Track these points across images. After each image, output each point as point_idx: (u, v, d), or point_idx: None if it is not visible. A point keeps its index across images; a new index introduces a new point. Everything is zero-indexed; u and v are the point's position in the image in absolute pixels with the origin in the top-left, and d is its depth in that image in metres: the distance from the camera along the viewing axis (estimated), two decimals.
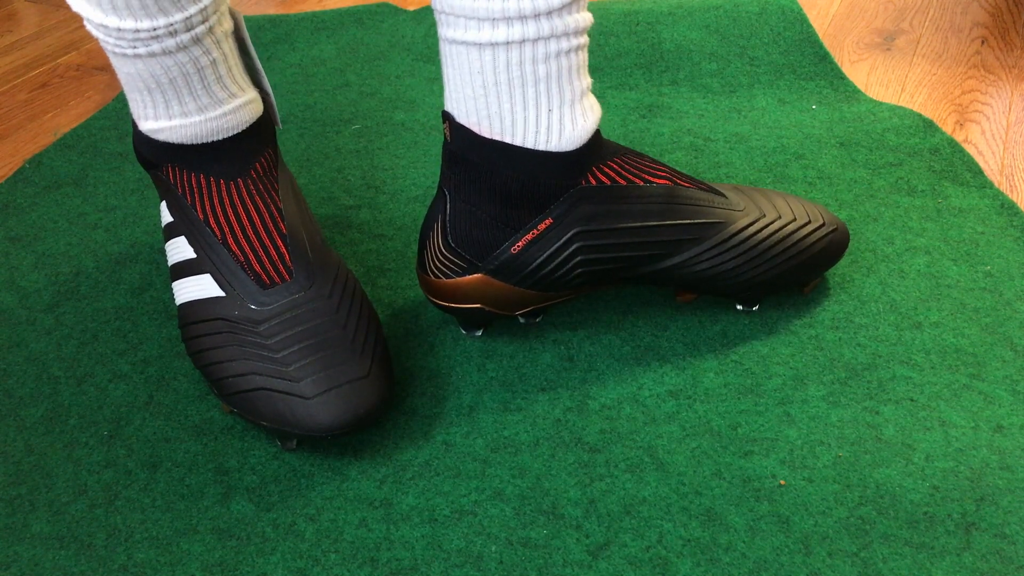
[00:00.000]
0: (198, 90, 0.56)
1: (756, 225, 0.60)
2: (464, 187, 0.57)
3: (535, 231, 0.57)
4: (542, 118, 0.54)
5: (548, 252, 0.57)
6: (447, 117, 0.56)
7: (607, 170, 0.57)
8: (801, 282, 0.63)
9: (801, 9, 1.05)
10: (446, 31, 0.52)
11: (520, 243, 0.57)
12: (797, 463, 0.53)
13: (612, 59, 0.98)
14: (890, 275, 0.67)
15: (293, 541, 0.50)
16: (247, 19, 1.11)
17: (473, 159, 0.55)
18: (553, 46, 0.52)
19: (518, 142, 0.54)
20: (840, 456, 0.54)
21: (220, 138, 0.58)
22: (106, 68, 1.05)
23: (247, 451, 0.56)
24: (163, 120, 0.57)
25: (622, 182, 0.58)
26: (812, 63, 0.95)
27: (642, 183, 0.58)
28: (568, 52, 0.52)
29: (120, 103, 0.95)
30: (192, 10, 0.53)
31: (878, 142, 0.82)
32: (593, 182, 0.57)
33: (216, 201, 0.58)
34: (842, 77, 0.93)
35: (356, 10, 1.13)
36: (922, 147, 0.81)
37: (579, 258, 0.57)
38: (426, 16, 1.11)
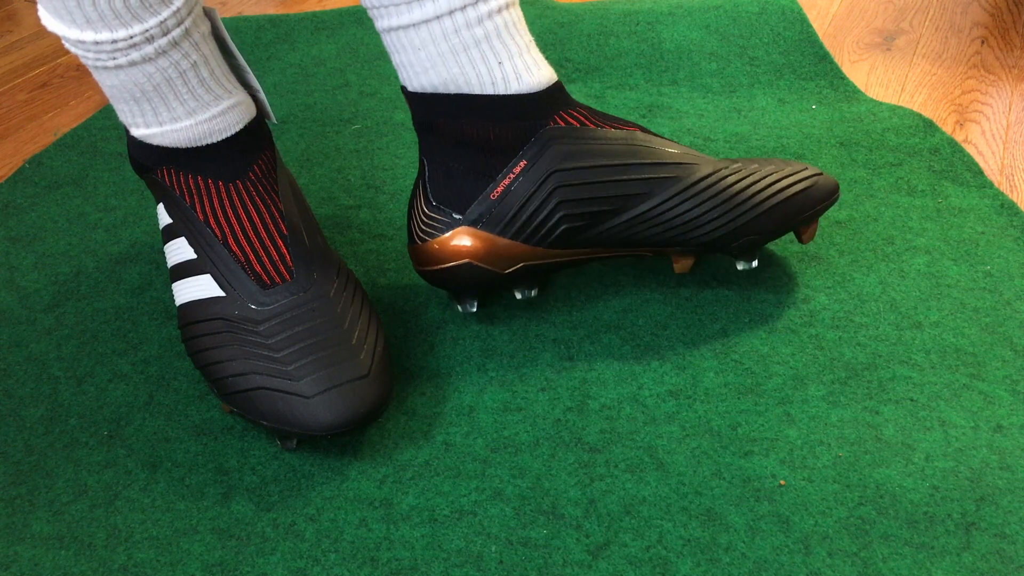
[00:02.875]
0: (183, 94, 0.56)
1: (730, 169, 0.62)
2: (437, 148, 0.59)
3: (511, 175, 0.59)
4: (495, 71, 0.57)
5: (527, 195, 0.59)
6: (405, 93, 0.59)
7: (575, 114, 0.59)
8: (793, 228, 0.63)
9: (801, 9, 1.05)
10: (382, 23, 0.56)
11: (498, 188, 0.59)
12: (797, 463, 0.53)
13: (612, 59, 0.98)
14: (890, 275, 0.67)
15: (293, 541, 0.50)
16: (247, 19, 1.11)
17: (439, 120, 0.58)
18: (482, 8, 0.55)
19: (474, 91, 0.57)
20: (840, 456, 0.54)
21: (214, 141, 0.58)
22: None
23: (247, 451, 0.56)
24: (154, 127, 0.57)
25: (590, 125, 0.60)
26: (812, 63, 0.95)
27: (610, 128, 0.60)
28: (499, 10, 0.55)
29: None
30: (165, 13, 0.53)
31: (878, 142, 0.82)
32: (561, 123, 0.59)
33: (216, 202, 0.58)
34: (842, 77, 0.93)
35: (356, 10, 1.13)
36: (922, 147, 0.81)
37: (558, 199, 0.59)
38: None
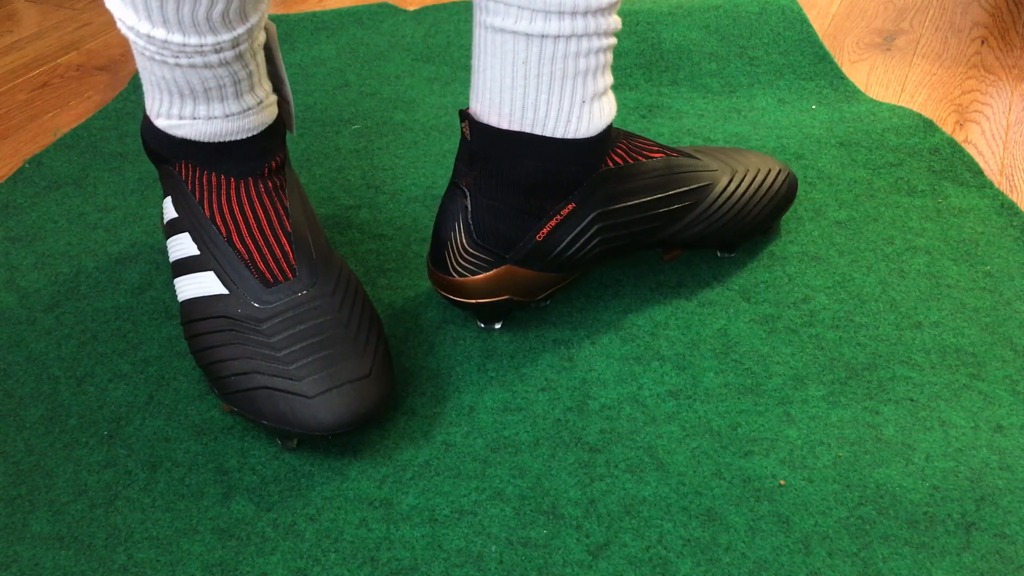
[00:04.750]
0: (229, 98, 0.56)
1: (734, 182, 0.65)
2: (485, 183, 0.57)
3: (558, 217, 0.58)
4: (574, 109, 0.55)
5: (571, 235, 0.59)
6: (466, 116, 0.56)
7: (619, 150, 0.60)
8: (768, 226, 0.69)
9: (801, 9, 1.05)
10: (492, 19, 0.53)
11: (544, 230, 0.58)
12: (797, 463, 0.53)
13: (612, 59, 0.98)
14: (890, 275, 0.67)
15: (293, 541, 0.50)
16: None
17: (495, 154, 0.56)
18: (595, 43, 0.53)
19: (547, 132, 0.56)
20: (840, 456, 0.54)
21: (237, 138, 0.58)
22: (106, 68, 1.05)
23: (247, 451, 0.56)
24: (186, 119, 0.57)
25: (630, 161, 0.60)
26: (812, 63, 0.95)
27: (644, 159, 0.61)
28: (604, 50, 0.54)
29: (120, 103, 0.95)
30: (241, 30, 0.53)
31: (878, 142, 0.82)
32: (611, 164, 0.59)
33: (224, 199, 0.58)
34: (842, 77, 0.93)
35: (356, 10, 1.13)
36: (922, 147, 0.81)
37: (599, 238, 0.59)
38: (426, 16, 1.11)
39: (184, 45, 0.52)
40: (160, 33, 0.51)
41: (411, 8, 1.16)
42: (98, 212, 0.78)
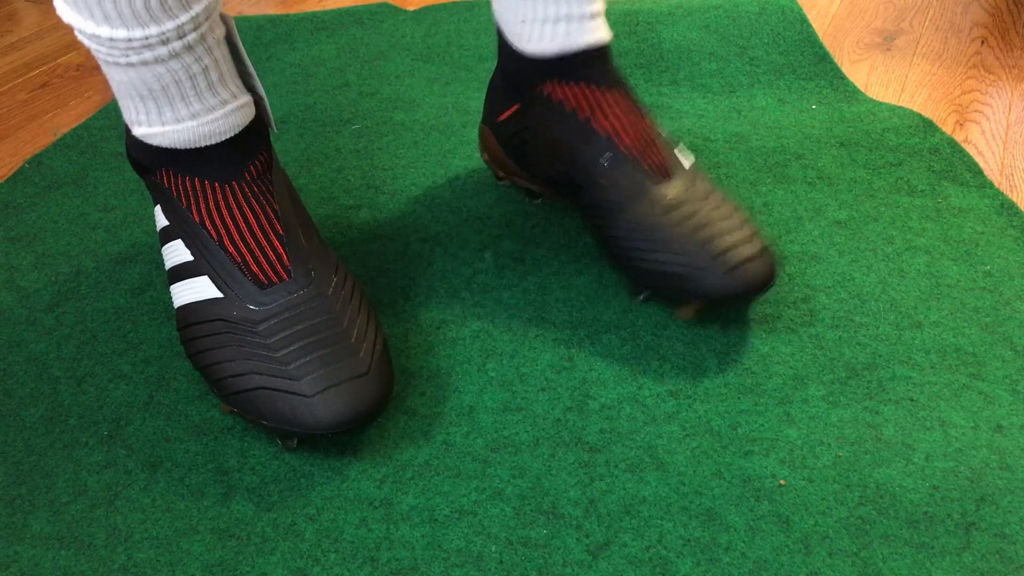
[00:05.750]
0: (190, 97, 0.56)
1: (675, 213, 0.61)
2: (499, 63, 0.71)
3: (509, 111, 0.70)
4: (520, 26, 0.65)
5: (511, 132, 0.70)
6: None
7: (568, 90, 0.65)
8: (704, 304, 0.61)
9: (801, 9, 1.05)
10: None
11: (503, 115, 0.71)
12: (797, 463, 0.53)
13: None
14: (890, 275, 0.67)
15: (293, 541, 0.50)
16: (247, 19, 1.11)
17: (500, 46, 0.70)
18: None
19: (505, 35, 0.67)
20: (840, 456, 0.54)
21: (213, 142, 0.58)
22: None
23: (247, 451, 0.56)
24: (156, 126, 0.57)
25: (574, 105, 0.65)
26: (812, 63, 0.95)
27: (572, 110, 0.65)
28: None
29: None
30: (184, 18, 0.53)
31: (878, 142, 0.82)
32: (547, 92, 0.66)
33: (212, 204, 0.58)
34: (842, 77, 0.93)
35: (356, 10, 1.13)
36: (922, 147, 0.81)
37: (525, 150, 0.70)
38: (426, 16, 1.11)
39: (129, 40, 0.52)
40: (105, 31, 0.52)
41: (411, 8, 1.16)
42: (98, 212, 0.78)
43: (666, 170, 0.63)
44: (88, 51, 1.09)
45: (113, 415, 0.59)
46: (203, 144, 0.58)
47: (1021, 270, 0.67)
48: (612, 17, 1.06)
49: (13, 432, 0.58)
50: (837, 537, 0.49)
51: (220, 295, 0.56)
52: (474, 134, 0.86)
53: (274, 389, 0.53)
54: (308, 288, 0.56)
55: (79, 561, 0.50)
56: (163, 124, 0.57)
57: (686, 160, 0.65)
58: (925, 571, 0.47)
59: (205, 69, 0.56)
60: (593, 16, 0.64)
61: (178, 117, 0.56)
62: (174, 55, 0.54)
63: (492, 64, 0.99)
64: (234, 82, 0.58)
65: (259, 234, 0.57)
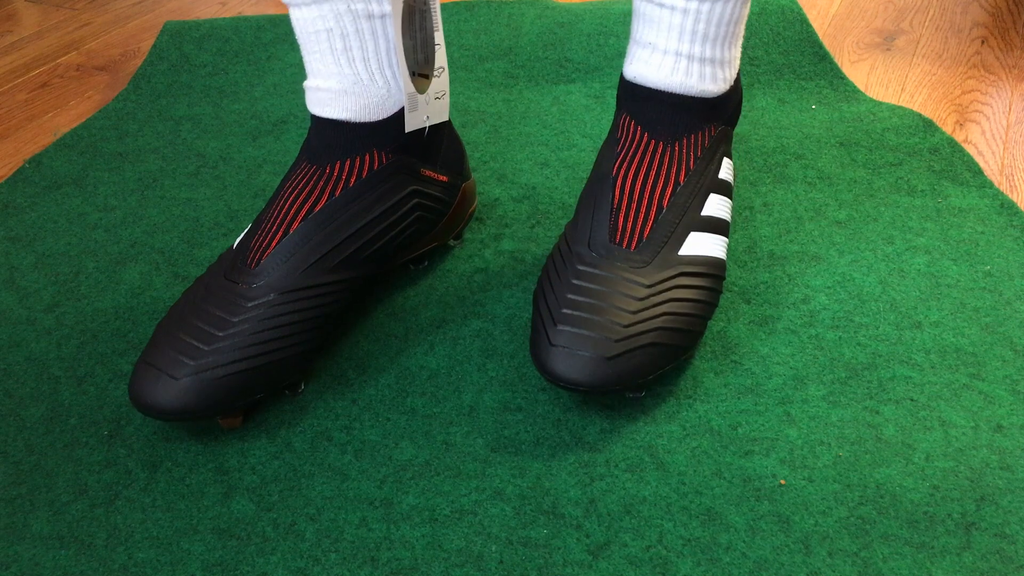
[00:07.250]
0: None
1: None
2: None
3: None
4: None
5: None
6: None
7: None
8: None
9: (801, 9, 1.05)
10: None
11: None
12: (797, 463, 0.53)
13: (612, 59, 0.98)
14: (890, 275, 0.67)
15: (293, 541, 0.50)
16: (247, 19, 1.11)
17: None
18: None
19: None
20: (840, 456, 0.54)
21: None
22: (106, 68, 1.05)
23: (247, 451, 0.56)
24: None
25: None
26: (812, 63, 0.95)
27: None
28: None
29: (120, 103, 0.95)
30: None
31: (878, 142, 0.82)
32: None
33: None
34: (842, 77, 0.93)
35: None
36: (922, 147, 0.81)
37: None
38: None
39: None
40: None
41: None
42: (98, 212, 0.78)
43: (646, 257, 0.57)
44: (88, 51, 1.08)
45: (113, 415, 0.59)
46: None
47: (1021, 270, 0.67)
48: (612, 17, 1.06)
49: (13, 432, 0.58)
50: (837, 537, 0.49)
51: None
52: (473, 134, 0.86)
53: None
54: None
55: (79, 561, 0.50)
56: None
57: (702, 244, 0.59)
58: (925, 571, 0.47)
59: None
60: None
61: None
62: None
63: (492, 64, 0.99)
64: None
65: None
